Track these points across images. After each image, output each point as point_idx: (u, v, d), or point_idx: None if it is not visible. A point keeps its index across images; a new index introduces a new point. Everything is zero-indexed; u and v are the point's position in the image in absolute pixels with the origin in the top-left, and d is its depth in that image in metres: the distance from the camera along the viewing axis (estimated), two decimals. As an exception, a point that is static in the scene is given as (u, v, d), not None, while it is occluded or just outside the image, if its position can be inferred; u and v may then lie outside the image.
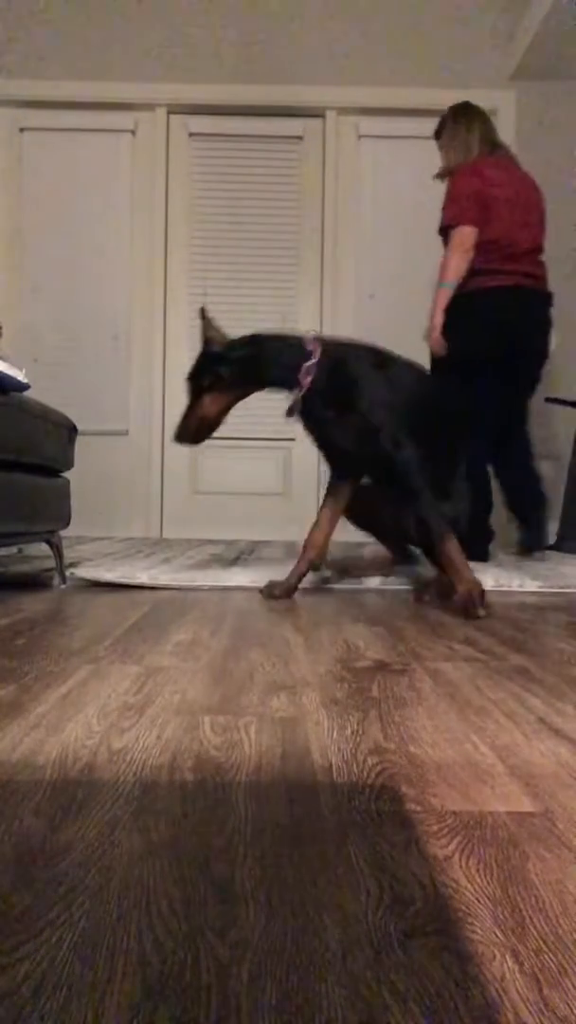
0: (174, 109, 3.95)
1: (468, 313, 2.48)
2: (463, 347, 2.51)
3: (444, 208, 2.54)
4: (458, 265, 2.44)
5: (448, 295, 2.48)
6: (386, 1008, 0.39)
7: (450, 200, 2.51)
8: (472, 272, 2.47)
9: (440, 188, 2.74)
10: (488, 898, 0.50)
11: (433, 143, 2.88)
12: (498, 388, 2.54)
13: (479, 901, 0.49)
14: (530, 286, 2.52)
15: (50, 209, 3.97)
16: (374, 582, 2.11)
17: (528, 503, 2.72)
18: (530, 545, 2.73)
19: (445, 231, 2.51)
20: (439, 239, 2.67)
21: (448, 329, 2.53)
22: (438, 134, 2.77)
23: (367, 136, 3.97)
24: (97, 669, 1.09)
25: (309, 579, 2.08)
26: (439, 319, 2.50)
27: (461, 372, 2.52)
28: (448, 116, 2.72)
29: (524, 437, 2.71)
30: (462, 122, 2.67)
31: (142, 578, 2.03)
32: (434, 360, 2.60)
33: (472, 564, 2.02)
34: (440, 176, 2.66)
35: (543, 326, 2.57)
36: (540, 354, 2.62)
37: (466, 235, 2.43)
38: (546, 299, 2.56)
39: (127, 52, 3.90)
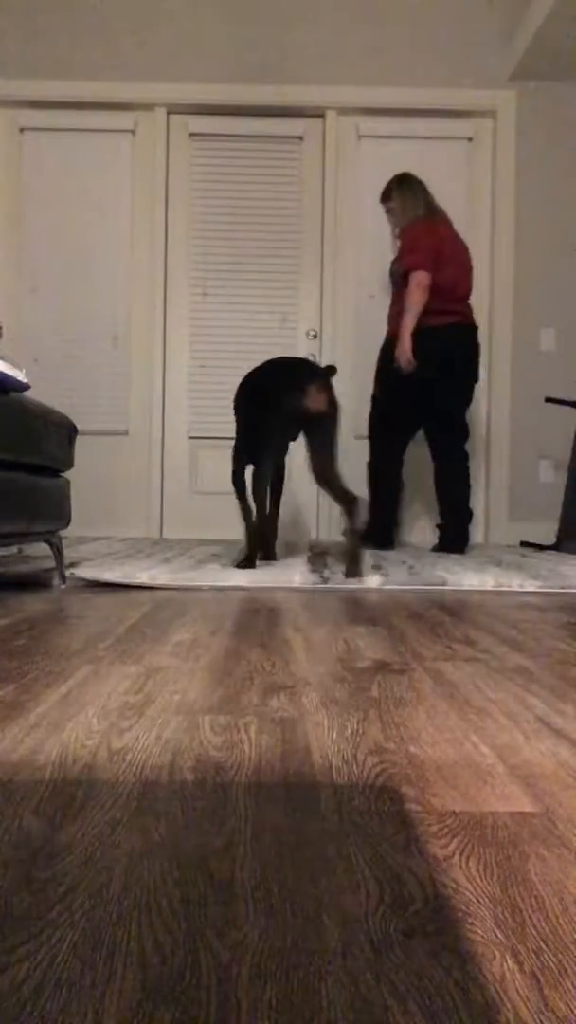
0: (174, 109, 3.95)
1: (425, 344, 3.01)
2: (419, 370, 3.03)
3: (402, 256, 3.06)
4: (420, 300, 2.97)
5: (414, 323, 3.00)
6: (386, 1008, 0.39)
7: (409, 250, 3.03)
8: (424, 311, 3.00)
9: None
10: (488, 898, 0.50)
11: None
12: (429, 402, 3.12)
13: (479, 901, 0.49)
14: (468, 323, 3.13)
15: (50, 209, 3.97)
16: (374, 582, 2.11)
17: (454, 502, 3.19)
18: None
19: (404, 275, 3.02)
20: None
21: (423, 351, 3.02)
22: (386, 198, 3.28)
23: (367, 136, 3.96)
24: (97, 669, 1.10)
25: (310, 579, 2.09)
26: (409, 343, 2.99)
27: (397, 387, 3.11)
28: (394, 183, 3.26)
29: (461, 446, 3.19)
30: (407, 188, 3.22)
31: (142, 578, 2.03)
32: (384, 374, 3.18)
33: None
34: (398, 235, 3.20)
35: (478, 353, 3.18)
36: (475, 375, 3.19)
37: (423, 277, 2.96)
38: (475, 331, 3.17)
39: (127, 52, 3.90)
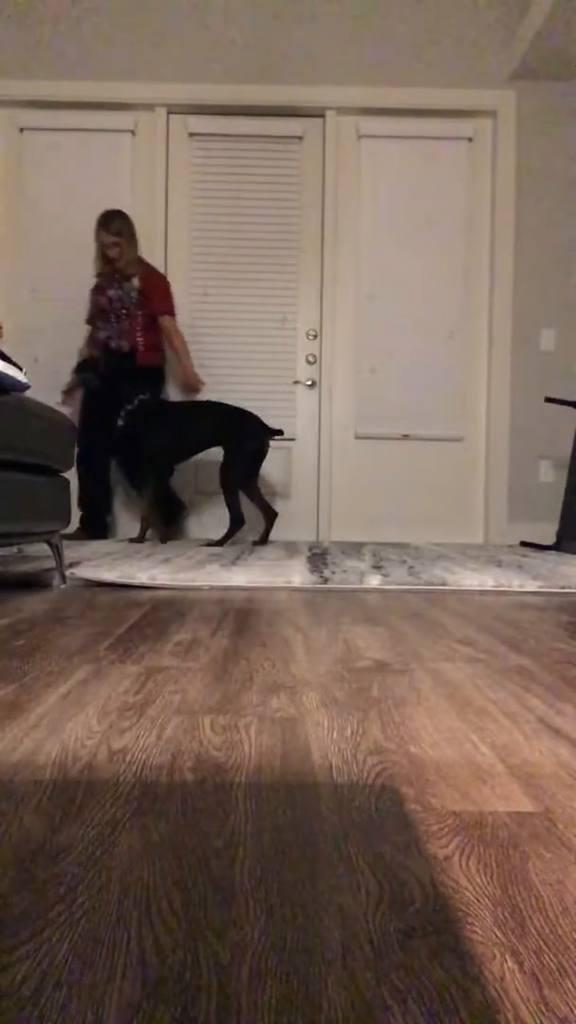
0: (174, 109, 3.95)
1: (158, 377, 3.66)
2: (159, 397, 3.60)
3: (156, 298, 3.51)
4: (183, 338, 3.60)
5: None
6: (386, 1008, 0.39)
7: (163, 295, 3.54)
8: (156, 348, 3.59)
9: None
10: (488, 898, 0.50)
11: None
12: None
13: (479, 901, 0.49)
14: None
15: (50, 209, 3.97)
16: (374, 581, 2.11)
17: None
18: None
19: (152, 314, 3.52)
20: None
21: (157, 384, 3.63)
22: (109, 228, 3.51)
23: (367, 136, 3.97)
24: (97, 669, 1.09)
25: (310, 579, 2.09)
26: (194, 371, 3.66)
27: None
28: (119, 217, 3.52)
29: None
30: (129, 225, 3.55)
31: (142, 578, 2.03)
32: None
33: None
34: (128, 268, 3.51)
35: None
36: None
37: (176, 322, 3.58)
38: None
39: (127, 52, 3.90)
